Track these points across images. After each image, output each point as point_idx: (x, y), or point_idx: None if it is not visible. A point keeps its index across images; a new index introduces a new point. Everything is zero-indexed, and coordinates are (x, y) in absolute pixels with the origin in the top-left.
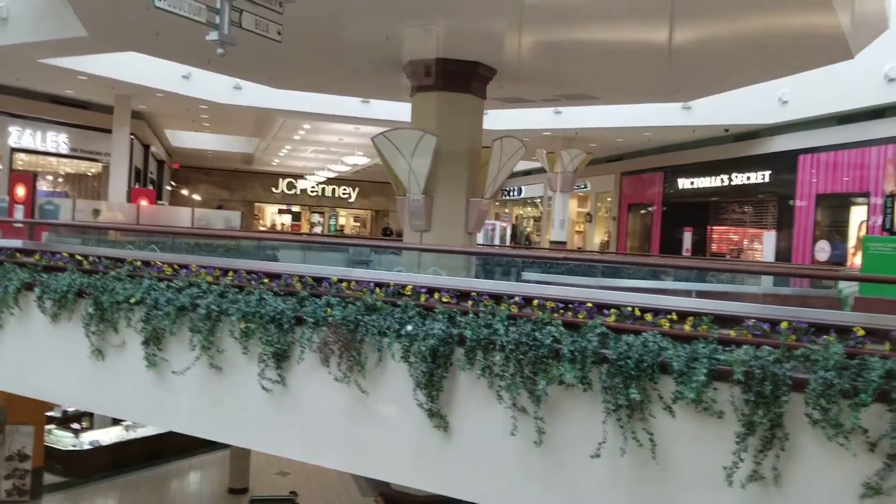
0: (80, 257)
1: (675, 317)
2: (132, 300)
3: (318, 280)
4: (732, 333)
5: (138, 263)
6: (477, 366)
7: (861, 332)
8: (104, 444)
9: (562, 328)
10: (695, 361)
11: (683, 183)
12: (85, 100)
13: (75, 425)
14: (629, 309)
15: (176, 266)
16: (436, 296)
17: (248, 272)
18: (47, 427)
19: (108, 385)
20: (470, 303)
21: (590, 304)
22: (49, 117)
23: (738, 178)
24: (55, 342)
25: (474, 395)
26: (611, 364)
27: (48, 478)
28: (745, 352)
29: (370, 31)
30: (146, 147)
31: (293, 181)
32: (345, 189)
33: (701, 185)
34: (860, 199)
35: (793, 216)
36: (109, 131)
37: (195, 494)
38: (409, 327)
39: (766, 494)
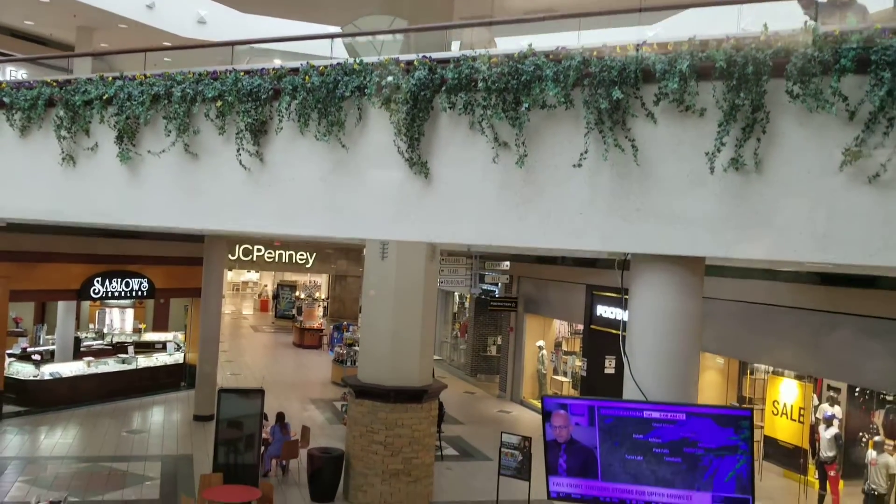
0: (49, 80)
1: (655, 47)
2: (105, 97)
3: (294, 69)
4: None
5: (110, 78)
6: (459, 103)
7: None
8: (64, 375)
9: (543, 58)
10: (677, 61)
11: None
12: (45, 35)
13: (36, 357)
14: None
15: (149, 74)
16: (416, 62)
17: (224, 70)
18: (8, 361)
19: (81, 192)
20: (451, 60)
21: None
22: (6, 51)
23: None
24: (24, 157)
25: (455, 138)
26: (593, 77)
27: (7, 408)
28: (726, 46)
29: None
30: None
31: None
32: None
33: None
34: None
35: None
36: (70, 72)
37: (159, 423)
38: (390, 78)
39: (748, 182)
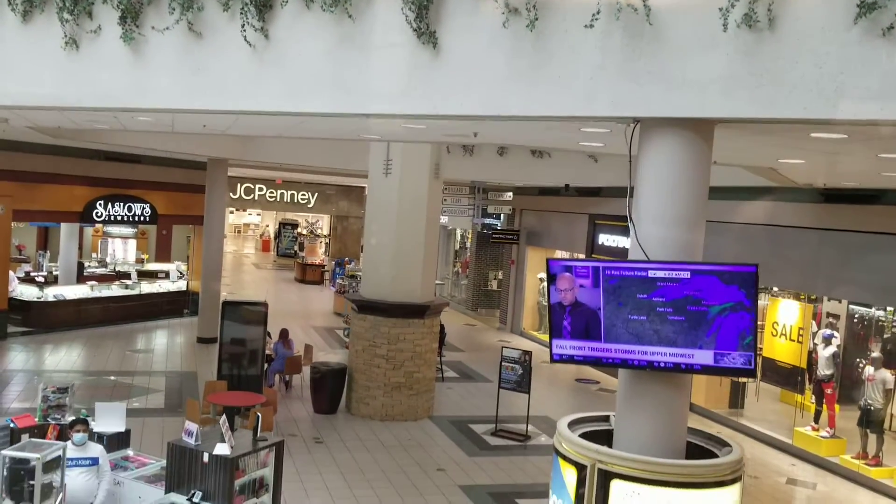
0: None
1: None
2: None
3: None
4: None
5: None
6: None
7: None
8: (68, 298)
9: None
10: None
11: None
12: None
13: (39, 279)
14: None
15: None
16: None
17: None
18: (12, 285)
19: (84, 76)
20: None
21: None
22: None
23: None
24: (26, 43)
25: (463, 5)
26: None
27: (12, 329)
28: None
29: None
30: None
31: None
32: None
33: None
34: None
35: None
36: None
37: (163, 344)
38: None
39: (760, 40)
